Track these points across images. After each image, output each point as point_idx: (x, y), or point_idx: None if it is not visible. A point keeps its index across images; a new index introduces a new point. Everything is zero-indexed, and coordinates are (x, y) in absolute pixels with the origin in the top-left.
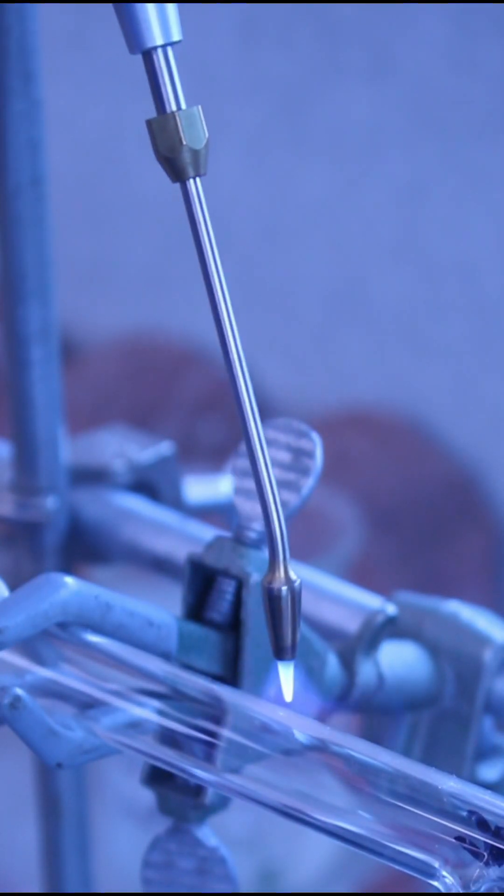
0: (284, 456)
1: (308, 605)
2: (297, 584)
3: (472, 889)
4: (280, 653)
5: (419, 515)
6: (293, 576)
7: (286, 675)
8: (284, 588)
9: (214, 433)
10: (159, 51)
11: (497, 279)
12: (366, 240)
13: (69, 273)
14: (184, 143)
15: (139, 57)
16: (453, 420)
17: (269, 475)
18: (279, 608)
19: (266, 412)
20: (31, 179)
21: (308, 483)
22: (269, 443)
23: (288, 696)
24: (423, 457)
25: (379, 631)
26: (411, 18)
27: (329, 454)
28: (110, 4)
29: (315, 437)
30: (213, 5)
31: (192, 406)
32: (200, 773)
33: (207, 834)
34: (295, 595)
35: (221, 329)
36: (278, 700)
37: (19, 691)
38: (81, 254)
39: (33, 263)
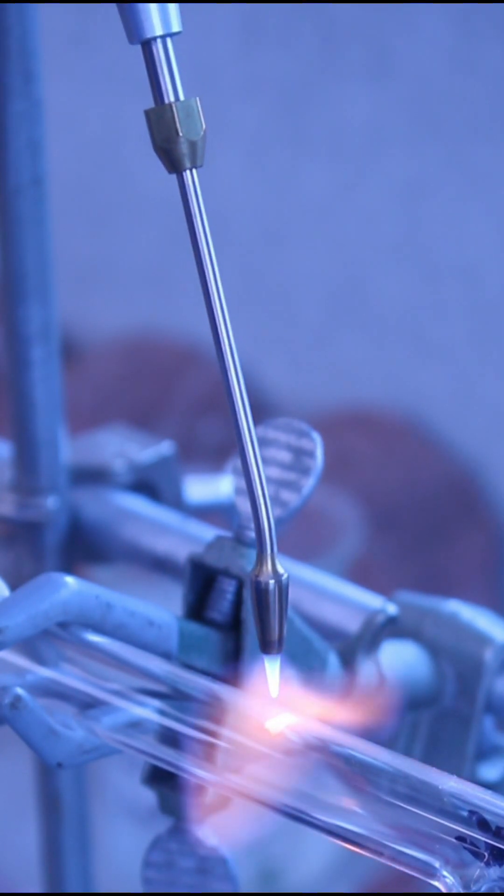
0: (285, 455)
1: (309, 604)
2: (284, 577)
3: (473, 889)
4: (266, 647)
5: (420, 515)
6: (280, 569)
7: (272, 670)
8: (272, 581)
9: (214, 433)
10: (158, 41)
11: (497, 279)
12: (366, 240)
13: (69, 273)
14: (180, 134)
15: (139, 56)
16: (453, 420)
17: (258, 467)
18: (266, 602)
19: (266, 412)
20: (32, 179)
21: (309, 483)
22: (269, 442)
23: (274, 691)
24: (424, 457)
25: (379, 631)
26: (411, 18)
27: (329, 454)
28: (110, 4)
29: (316, 436)
30: (213, 5)
31: (192, 406)
32: (201, 773)
33: (208, 833)
34: (282, 589)
35: (213, 317)
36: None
37: (20, 691)
38: (81, 254)
39: (34, 263)
